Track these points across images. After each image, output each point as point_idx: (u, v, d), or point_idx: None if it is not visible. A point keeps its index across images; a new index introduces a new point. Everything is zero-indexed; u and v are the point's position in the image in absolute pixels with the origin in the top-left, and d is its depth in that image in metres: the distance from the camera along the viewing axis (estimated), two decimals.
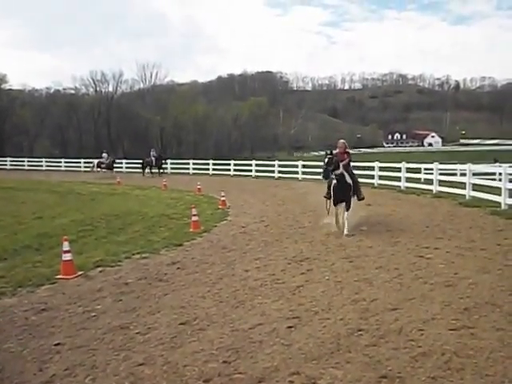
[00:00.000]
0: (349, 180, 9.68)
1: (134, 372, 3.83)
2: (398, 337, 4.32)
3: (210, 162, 31.85)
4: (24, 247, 8.94)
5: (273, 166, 28.19)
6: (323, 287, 5.99)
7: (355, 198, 10.04)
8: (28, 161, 40.70)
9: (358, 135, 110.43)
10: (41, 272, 7.11)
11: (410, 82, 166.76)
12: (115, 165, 31.36)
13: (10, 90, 64.69)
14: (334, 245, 8.62)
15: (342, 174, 9.55)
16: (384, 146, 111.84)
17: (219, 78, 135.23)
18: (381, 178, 20.08)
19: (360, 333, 4.46)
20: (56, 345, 4.41)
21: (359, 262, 7.25)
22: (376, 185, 19.71)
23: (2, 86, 62.12)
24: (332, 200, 9.75)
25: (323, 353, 4.05)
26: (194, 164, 32.71)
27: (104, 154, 31.23)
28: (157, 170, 29.85)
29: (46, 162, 39.60)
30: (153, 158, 30.13)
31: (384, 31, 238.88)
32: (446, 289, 5.72)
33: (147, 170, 30.07)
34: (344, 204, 9.65)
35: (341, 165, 9.55)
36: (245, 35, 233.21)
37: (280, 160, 31.61)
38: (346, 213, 9.57)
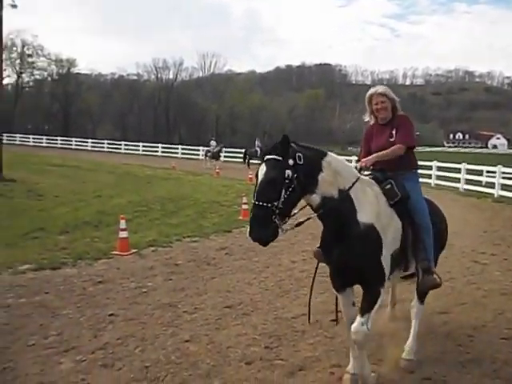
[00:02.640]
0: (368, 219, 3.20)
1: (181, 347, 4.00)
2: (445, 340, 4.21)
3: None
4: (84, 223, 9.49)
5: None
6: None
7: (406, 274, 3.77)
8: (92, 142, 42.85)
9: (417, 133, 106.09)
10: (98, 247, 7.54)
11: (477, 79, 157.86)
12: (222, 154, 28.44)
13: (78, 73, 68.04)
14: None
15: (339, 204, 3.17)
16: (444, 146, 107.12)
17: (277, 69, 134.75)
18: (438, 178, 19.34)
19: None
20: (110, 315, 4.69)
21: None
22: (433, 185, 19.00)
23: (71, 70, 65.44)
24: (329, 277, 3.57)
25: None
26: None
27: (212, 142, 28.51)
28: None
29: (108, 144, 41.47)
30: (257, 149, 26.29)
31: (452, 25, 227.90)
32: (501, 297, 5.47)
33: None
34: (362, 291, 3.35)
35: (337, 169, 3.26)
36: (305, 27, 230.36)
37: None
38: (359, 317, 3.23)
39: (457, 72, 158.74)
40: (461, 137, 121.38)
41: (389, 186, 3.42)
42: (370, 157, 3.63)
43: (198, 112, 68.18)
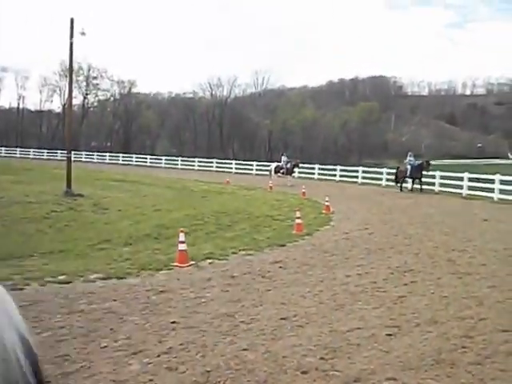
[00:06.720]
0: None
1: (239, 355, 4.18)
2: (506, 359, 4.10)
3: (316, 166, 31.96)
4: (145, 235, 10.04)
5: (381, 173, 27.36)
6: (427, 300, 5.82)
7: None
8: (150, 158, 44.76)
9: (479, 144, 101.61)
10: (159, 258, 7.96)
11: None
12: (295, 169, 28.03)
13: (138, 93, 71.70)
14: (443, 259, 8.23)
15: None
16: (509, 158, 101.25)
17: (329, 83, 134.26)
18: (502, 192, 18.42)
19: (464, 350, 4.31)
20: (172, 322, 4.97)
21: (469, 279, 6.87)
22: (496, 199, 18.14)
23: (132, 91, 69.10)
24: None
25: (422, 364, 4.01)
26: (299, 168, 33.01)
27: (284, 158, 27.17)
28: (418, 186, 21.42)
29: (166, 160, 43.11)
30: (408, 167, 21.85)
31: None
32: None
33: (407, 185, 22.23)
34: None
35: None
36: (359, 38, 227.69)
37: (389, 168, 30.54)
38: None
39: None
40: None
41: None
42: None
43: (251, 127, 69.36)
